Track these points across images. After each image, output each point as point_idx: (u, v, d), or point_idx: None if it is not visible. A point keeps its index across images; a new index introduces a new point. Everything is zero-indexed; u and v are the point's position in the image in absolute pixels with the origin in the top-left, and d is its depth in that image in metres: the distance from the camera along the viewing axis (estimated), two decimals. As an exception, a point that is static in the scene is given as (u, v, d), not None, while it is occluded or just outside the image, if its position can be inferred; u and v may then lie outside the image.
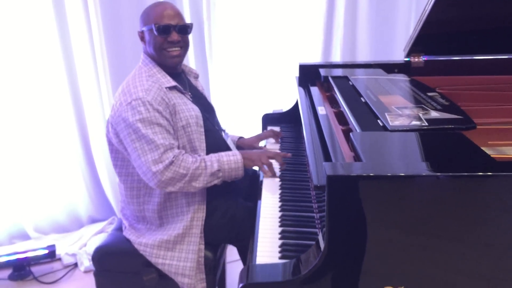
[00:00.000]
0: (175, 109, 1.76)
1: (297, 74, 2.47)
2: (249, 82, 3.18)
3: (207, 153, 1.84)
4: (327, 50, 3.14)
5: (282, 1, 3.04)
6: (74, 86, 2.83)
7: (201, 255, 1.79)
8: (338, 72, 2.23)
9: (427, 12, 1.97)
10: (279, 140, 2.26)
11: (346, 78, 2.02)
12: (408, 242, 1.03)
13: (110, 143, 1.84)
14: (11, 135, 2.77)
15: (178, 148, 1.76)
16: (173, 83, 1.80)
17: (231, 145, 2.04)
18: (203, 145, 1.84)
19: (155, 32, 1.77)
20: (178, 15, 1.82)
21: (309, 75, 2.36)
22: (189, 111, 1.80)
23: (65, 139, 2.91)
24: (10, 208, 2.85)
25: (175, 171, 1.67)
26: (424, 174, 1.00)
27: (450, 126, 1.31)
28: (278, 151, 2.07)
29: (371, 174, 0.99)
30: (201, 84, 2.10)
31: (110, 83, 2.83)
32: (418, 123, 1.33)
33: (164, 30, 1.77)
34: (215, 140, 1.93)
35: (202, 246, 1.79)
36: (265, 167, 1.86)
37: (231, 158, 1.76)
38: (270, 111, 2.58)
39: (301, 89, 2.27)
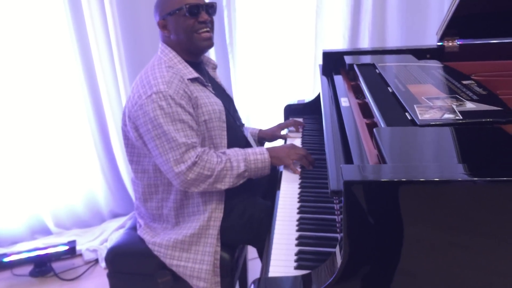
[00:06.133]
0: (197, 103, 1.65)
1: (321, 62, 2.32)
2: (271, 71, 3.06)
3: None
4: (355, 36, 2.99)
5: (305, -15, 2.89)
6: (91, 76, 2.77)
7: (217, 258, 1.69)
8: (366, 59, 2.06)
9: (462, -9, 1.80)
10: (301, 131, 2.13)
11: (372, 65, 1.87)
12: (442, 258, 0.89)
13: (125, 137, 1.75)
14: (30, 129, 2.74)
15: (200, 144, 1.66)
16: (195, 74, 1.70)
17: (251, 141, 1.94)
18: (225, 141, 1.74)
19: (186, 13, 1.64)
20: None
21: (333, 63, 2.20)
22: (212, 105, 1.69)
23: (84, 131, 2.86)
24: (30, 204, 2.83)
25: (198, 172, 1.58)
26: (460, 179, 0.85)
27: (488, 120, 1.15)
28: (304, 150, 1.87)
29: (395, 180, 0.85)
30: (218, 75, 1.99)
31: (126, 72, 2.75)
32: (451, 116, 1.18)
33: (195, 10, 1.65)
34: (236, 135, 1.84)
35: (219, 248, 1.70)
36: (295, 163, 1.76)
37: (258, 157, 1.68)
38: (294, 101, 2.46)
39: (324, 78, 2.13)
